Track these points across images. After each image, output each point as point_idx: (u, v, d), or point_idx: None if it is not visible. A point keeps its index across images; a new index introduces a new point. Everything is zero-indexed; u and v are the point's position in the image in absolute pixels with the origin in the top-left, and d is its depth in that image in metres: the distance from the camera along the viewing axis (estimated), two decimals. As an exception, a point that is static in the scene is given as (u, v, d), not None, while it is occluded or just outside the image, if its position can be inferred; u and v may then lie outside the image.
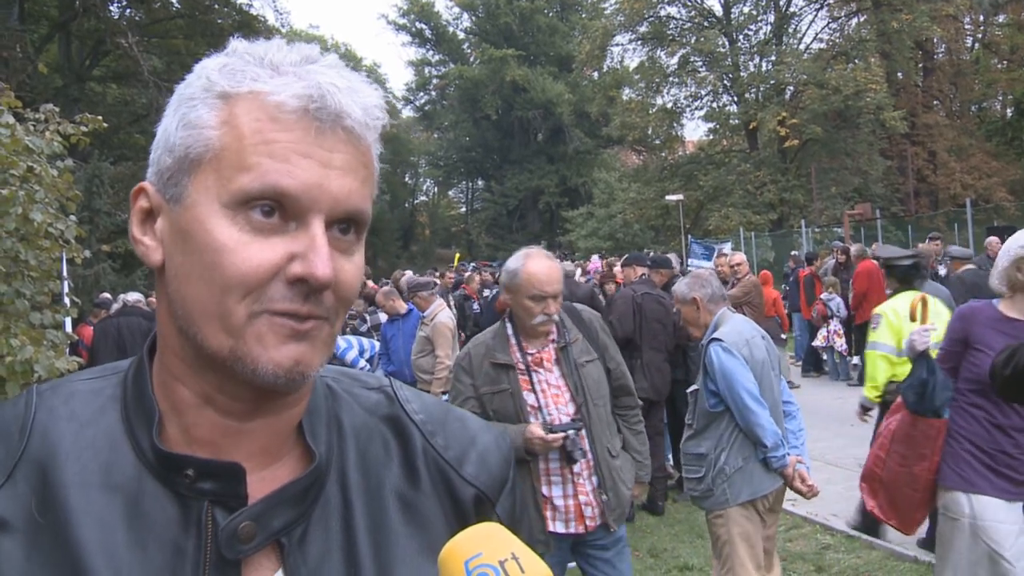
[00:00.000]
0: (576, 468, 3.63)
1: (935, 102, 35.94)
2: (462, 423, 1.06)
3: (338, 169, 0.83)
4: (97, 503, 0.82)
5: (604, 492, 3.69)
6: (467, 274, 14.88)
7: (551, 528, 3.66)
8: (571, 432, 3.55)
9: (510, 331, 3.77)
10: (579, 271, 15.57)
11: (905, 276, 6.11)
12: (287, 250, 0.81)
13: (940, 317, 5.84)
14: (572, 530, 3.68)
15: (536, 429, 3.52)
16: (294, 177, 0.80)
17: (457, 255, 32.51)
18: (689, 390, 4.60)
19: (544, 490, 3.66)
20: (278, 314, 0.81)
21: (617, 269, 12.46)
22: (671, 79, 35.02)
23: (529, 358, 3.71)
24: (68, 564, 0.79)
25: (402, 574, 0.91)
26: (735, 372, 4.13)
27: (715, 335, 4.33)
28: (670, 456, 8.12)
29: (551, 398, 3.67)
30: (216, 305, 0.81)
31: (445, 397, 7.45)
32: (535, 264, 3.65)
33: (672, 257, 9.86)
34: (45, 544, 0.80)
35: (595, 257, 23.78)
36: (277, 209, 0.81)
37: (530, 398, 3.66)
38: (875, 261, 11.09)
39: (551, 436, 3.51)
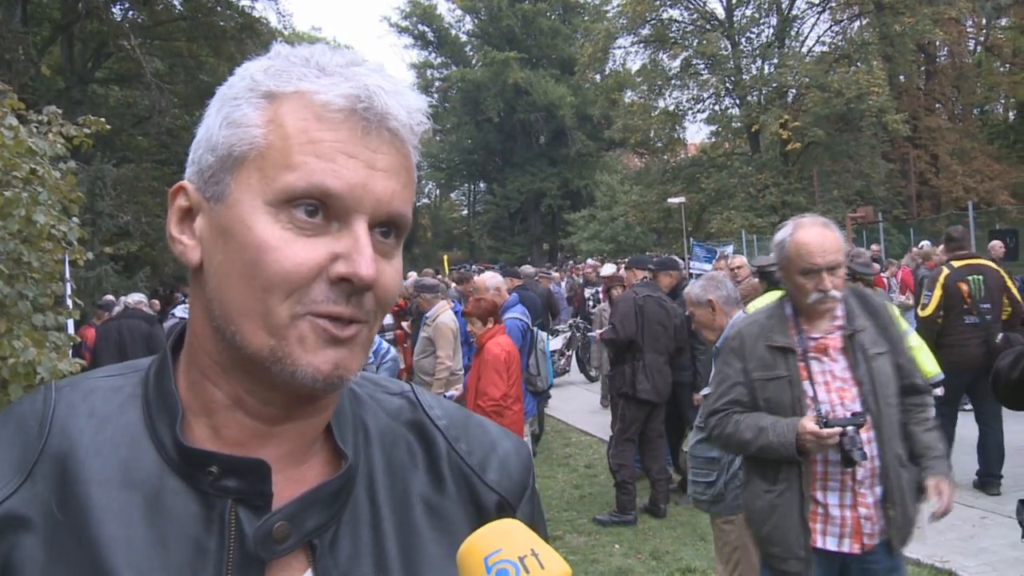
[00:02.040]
0: (859, 475, 3.16)
1: (937, 105, 35.91)
2: (483, 429, 1.06)
3: (382, 171, 0.83)
4: (118, 500, 0.82)
5: (892, 506, 3.15)
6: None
7: (819, 544, 3.21)
8: (850, 429, 3.06)
9: (789, 311, 3.32)
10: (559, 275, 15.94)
11: (774, 280, 7.08)
12: (330, 250, 0.81)
13: None
14: (845, 548, 3.19)
15: (808, 423, 3.09)
16: (339, 177, 0.80)
17: (446, 258, 32.58)
18: (702, 392, 4.50)
19: (819, 496, 3.22)
20: (321, 316, 0.81)
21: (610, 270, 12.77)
22: (673, 82, 35.08)
23: (811, 344, 3.27)
24: (89, 561, 0.79)
25: None
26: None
27: None
28: (668, 458, 8.12)
29: (835, 392, 3.23)
30: (258, 304, 0.81)
31: (449, 395, 7.50)
32: (805, 233, 3.21)
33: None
34: (66, 541, 0.80)
35: (589, 260, 23.82)
36: (321, 209, 0.81)
37: (809, 388, 3.23)
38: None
39: (826, 431, 3.05)
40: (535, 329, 7.65)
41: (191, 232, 0.87)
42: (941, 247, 13.99)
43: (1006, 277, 7.88)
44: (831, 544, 3.22)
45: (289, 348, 0.81)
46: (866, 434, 3.17)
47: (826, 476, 3.22)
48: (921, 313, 7.76)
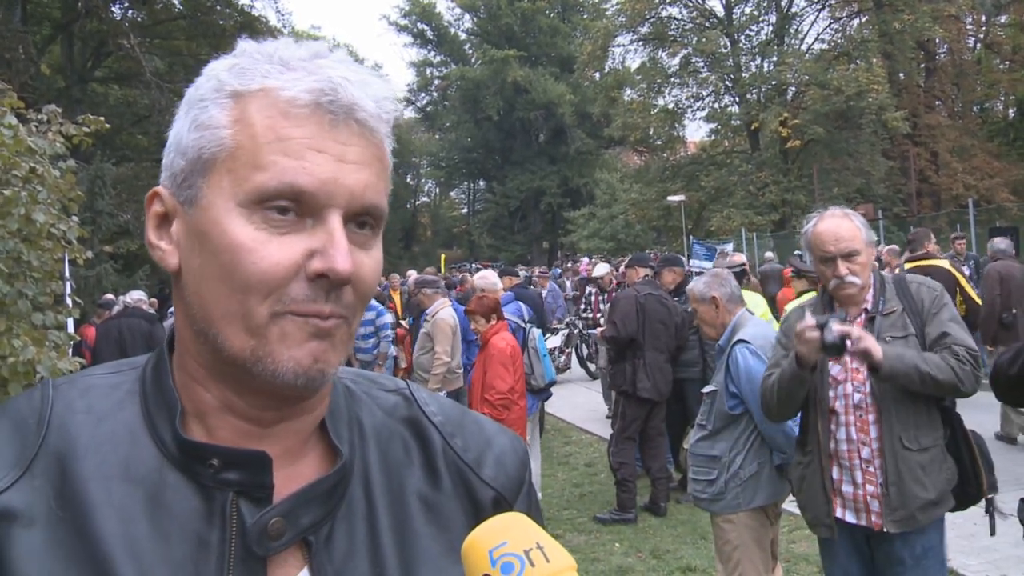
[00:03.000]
0: (864, 454, 3.37)
1: (937, 103, 35.87)
2: (478, 425, 1.06)
3: (353, 163, 0.83)
4: (118, 495, 0.81)
5: (886, 486, 3.31)
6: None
7: (839, 515, 3.45)
8: (831, 320, 3.19)
9: (827, 298, 3.58)
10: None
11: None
12: (306, 247, 0.81)
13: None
14: (863, 522, 3.40)
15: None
16: (310, 173, 0.80)
17: (443, 256, 32.66)
18: (705, 390, 4.51)
19: (834, 472, 3.45)
20: (301, 315, 0.81)
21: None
22: (672, 80, 34.99)
23: None
24: (89, 556, 0.78)
25: (426, 575, 0.91)
26: (762, 376, 4.00)
27: (741, 336, 4.26)
28: (670, 457, 8.12)
29: (851, 371, 3.43)
30: (237, 305, 0.81)
31: (443, 394, 7.54)
32: (822, 223, 3.44)
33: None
34: (65, 537, 0.79)
35: (585, 259, 23.88)
36: (294, 206, 0.81)
37: (834, 369, 3.47)
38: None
39: (799, 325, 3.25)
40: (527, 327, 7.67)
41: (169, 237, 0.87)
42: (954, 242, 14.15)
43: (958, 276, 8.37)
44: (850, 518, 3.44)
45: (270, 347, 0.81)
46: (872, 415, 3.37)
47: (837, 453, 3.45)
48: None
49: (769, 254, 19.70)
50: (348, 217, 0.83)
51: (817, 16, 34.09)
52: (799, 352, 3.31)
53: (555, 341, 13.88)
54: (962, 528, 6.20)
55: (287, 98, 0.81)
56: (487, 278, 8.35)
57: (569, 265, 30.10)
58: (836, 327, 3.18)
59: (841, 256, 3.38)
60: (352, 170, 0.82)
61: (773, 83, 31.86)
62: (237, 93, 0.83)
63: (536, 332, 7.71)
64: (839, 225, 3.41)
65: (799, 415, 3.68)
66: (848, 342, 3.16)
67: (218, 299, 0.82)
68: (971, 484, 3.41)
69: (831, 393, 3.46)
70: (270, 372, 0.81)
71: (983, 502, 3.52)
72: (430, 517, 0.95)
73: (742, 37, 34.02)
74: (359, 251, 0.84)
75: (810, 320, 3.25)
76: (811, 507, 3.57)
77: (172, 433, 0.85)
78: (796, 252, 20.23)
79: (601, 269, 12.30)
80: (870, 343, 3.21)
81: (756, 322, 4.44)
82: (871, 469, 3.36)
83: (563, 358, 14.25)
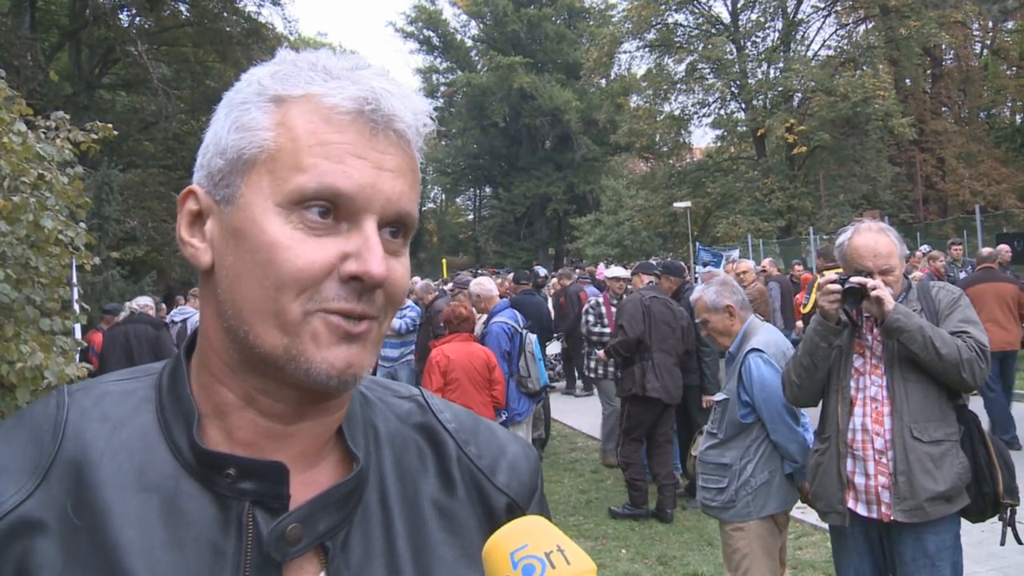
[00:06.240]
0: (878, 444, 3.46)
1: (943, 108, 35.82)
2: (491, 433, 1.07)
3: (390, 171, 0.85)
4: (134, 503, 0.82)
5: (895, 475, 3.41)
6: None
7: (852, 506, 3.53)
8: (852, 279, 3.44)
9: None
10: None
11: None
12: (340, 249, 0.82)
13: None
14: (874, 514, 3.48)
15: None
16: (349, 178, 0.82)
17: (444, 262, 32.78)
18: (717, 398, 4.47)
19: (849, 464, 3.54)
20: (332, 313, 0.82)
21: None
22: (679, 86, 35.02)
23: (866, 322, 3.62)
24: (106, 565, 0.79)
25: None
26: (776, 385, 4.02)
27: (754, 345, 4.23)
28: (678, 463, 8.11)
29: (870, 363, 3.57)
30: (271, 303, 0.82)
31: None
32: (859, 237, 3.58)
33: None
34: (82, 545, 0.80)
35: (601, 265, 23.83)
36: (331, 209, 0.82)
37: (857, 361, 3.60)
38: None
39: (822, 279, 3.50)
40: (524, 332, 7.68)
41: (202, 235, 0.89)
42: (951, 248, 14.16)
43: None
44: (862, 510, 3.51)
45: (303, 346, 0.82)
46: (887, 407, 3.48)
47: (852, 443, 3.54)
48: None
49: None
50: (382, 223, 0.85)
51: (823, 22, 34.17)
52: (821, 306, 3.51)
53: (559, 347, 13.88)
54: (970, 535, 6.17)
55: (330, 104, 0.83)
56: (483, 284, 8.45)
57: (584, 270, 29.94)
58: (855, 278, 3.44)
59: (879, 272, 3.49)
60: (389, 178, 0.84)
61: (779, 89, 31.87)
62: (280, 97, 0.85)
63: (532, 337, 7.73)
64: (877, 241, 3.54)
65: (814, 417, 3.74)
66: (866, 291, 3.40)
67: (251, 296, 0.83)
68: (987, 483, 3.45)
69: (853, 382, 3.57)
70: (303, 371, 0.82)
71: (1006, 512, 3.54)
72: (444, 523, 0.96)
73: (748, 43, 34.03)
74: (390, 257, 0.86)
75: (831, 276, 3.48)
76: (825, 494, 3.62)
77: (188, 441, 0.85)
78: (801, 258, 20.19)
79: (617, 271, 10.68)
80: (885, 293, 3.39)
81: (768, 329, 4.41)
82: (883, 460, 3.44)
83: (560, 365, 14.25)
